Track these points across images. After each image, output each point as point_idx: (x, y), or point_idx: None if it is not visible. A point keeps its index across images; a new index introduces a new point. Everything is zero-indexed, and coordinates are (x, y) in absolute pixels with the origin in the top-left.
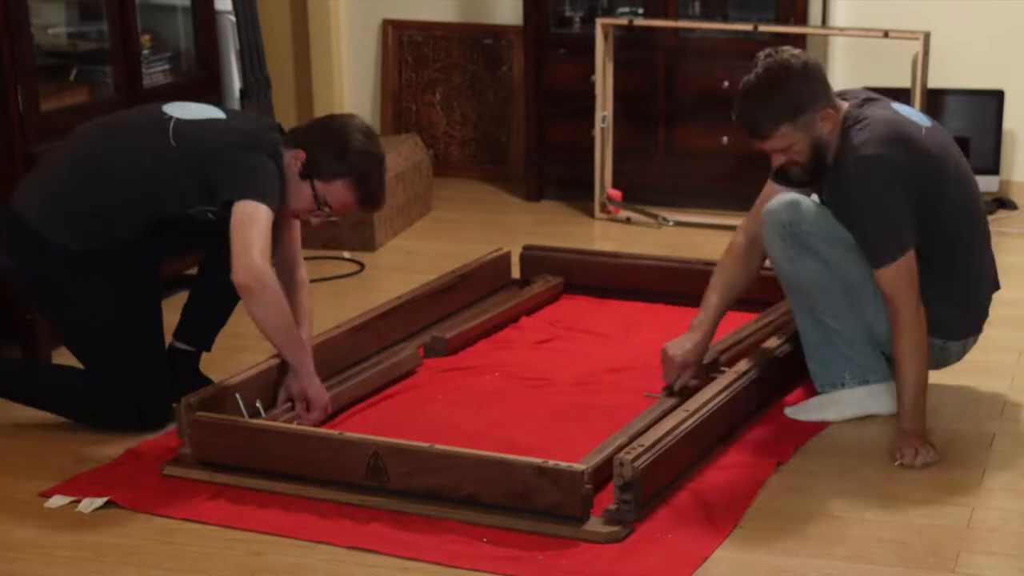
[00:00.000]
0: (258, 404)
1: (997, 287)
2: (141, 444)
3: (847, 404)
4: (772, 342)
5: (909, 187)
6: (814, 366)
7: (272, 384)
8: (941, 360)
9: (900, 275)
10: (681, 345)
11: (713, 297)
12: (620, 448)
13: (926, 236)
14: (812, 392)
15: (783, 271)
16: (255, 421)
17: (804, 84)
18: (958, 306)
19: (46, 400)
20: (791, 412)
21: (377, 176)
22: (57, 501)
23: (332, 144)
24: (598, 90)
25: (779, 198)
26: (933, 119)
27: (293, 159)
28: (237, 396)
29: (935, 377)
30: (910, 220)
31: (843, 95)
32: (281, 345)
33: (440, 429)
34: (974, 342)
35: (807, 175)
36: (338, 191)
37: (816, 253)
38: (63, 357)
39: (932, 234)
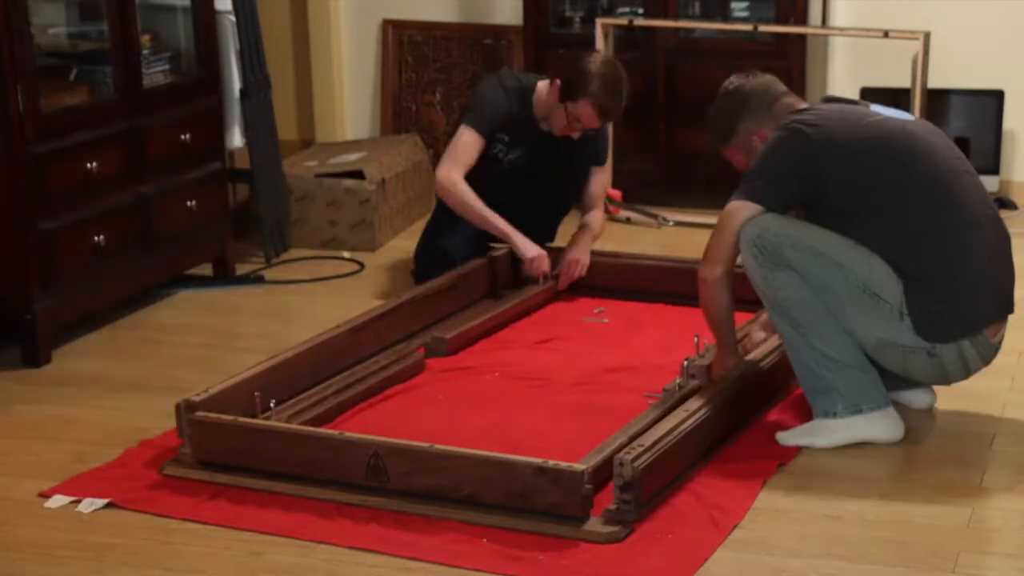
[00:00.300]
0: (272, 403)
1: (1000, 303)
2: (141, 444)
3: (837, 431)
4: (772, 341)
5: (810, 161)
6: (807, 395)
7: (274, 382)
8: (938, 369)
9: (732, 214)
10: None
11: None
12: (620, 448)
13: (863, 218)
14: (807, 408)
15: (764, 293)
16: (255, 421)
17: (735, 108)
18: (925, 303)
19: None
20: (781, 437)
21: (613, 95)
22: (57, 501)
23: (575, 72)
24: None
25: (750, 219)
26: (925, 121)
27: (551, 87)
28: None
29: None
30: (783, 184)
31: (825, 98)
32: (480, 227)
33: (440, 429)
34: (979, 359)
35: None
36: (584, 109)
37: (789, 265)
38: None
39: (873, 217)
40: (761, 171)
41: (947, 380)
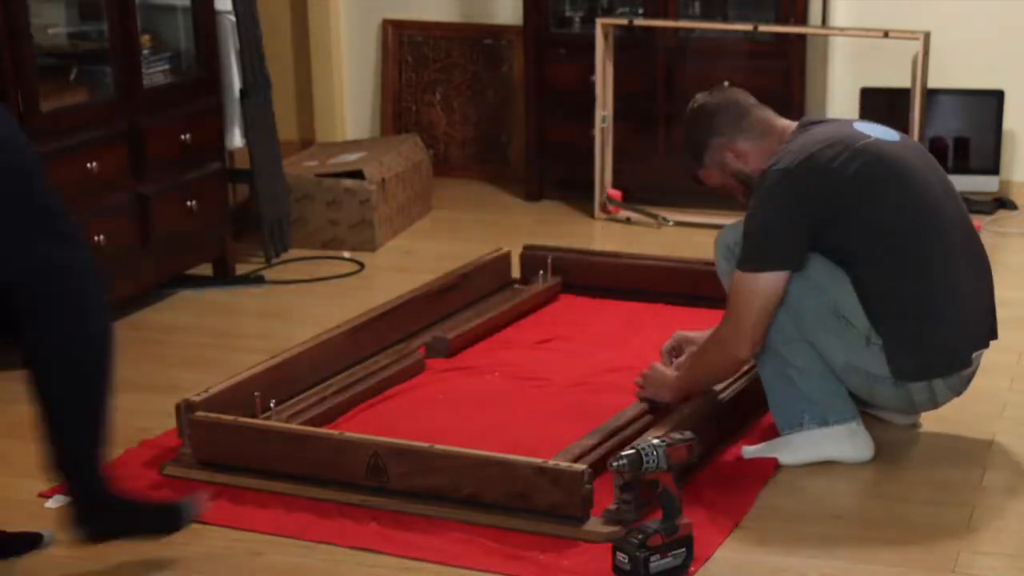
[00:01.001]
0: (272, 403)
1: (978, 339)
2: (141, 444)
3: (801, 447)
4: None
5: (809, 205)
6: (772, 405)
7: (274, 382)
8: (904, 399)
9: (746, 288)
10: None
11: None
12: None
13: (849, 254)
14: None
15: None
16: (255, 421)
17: (703, 125)
18: (904, 342)
19: None
20: (746, 451)
21: None
22: (57, 501)
23: None
24: (598, 90)
25: (730, 223)
26: (906, 136)
27: None
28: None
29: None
30: (793, 242)
31: (803, 123)
32: None
33: (440, 429)
34: (949, 392)
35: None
36: None
37: None
38: None
39: (856, 253)
40: (766, 229)
41: (915, 409)
